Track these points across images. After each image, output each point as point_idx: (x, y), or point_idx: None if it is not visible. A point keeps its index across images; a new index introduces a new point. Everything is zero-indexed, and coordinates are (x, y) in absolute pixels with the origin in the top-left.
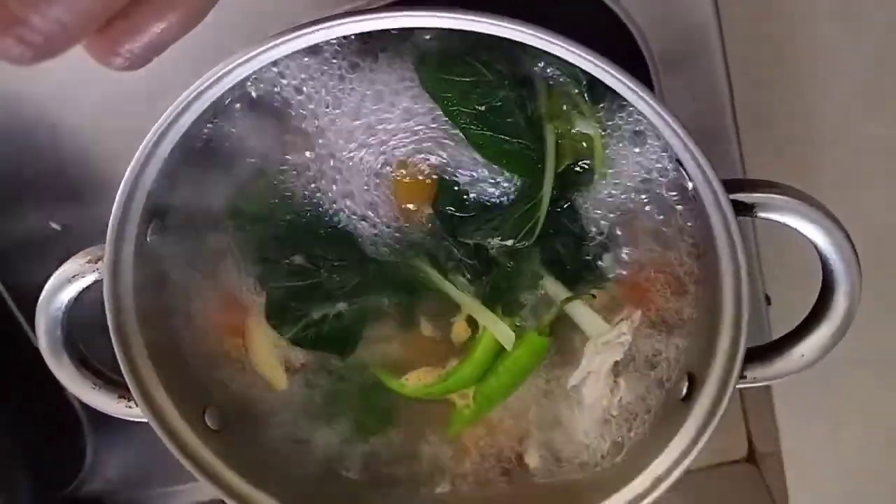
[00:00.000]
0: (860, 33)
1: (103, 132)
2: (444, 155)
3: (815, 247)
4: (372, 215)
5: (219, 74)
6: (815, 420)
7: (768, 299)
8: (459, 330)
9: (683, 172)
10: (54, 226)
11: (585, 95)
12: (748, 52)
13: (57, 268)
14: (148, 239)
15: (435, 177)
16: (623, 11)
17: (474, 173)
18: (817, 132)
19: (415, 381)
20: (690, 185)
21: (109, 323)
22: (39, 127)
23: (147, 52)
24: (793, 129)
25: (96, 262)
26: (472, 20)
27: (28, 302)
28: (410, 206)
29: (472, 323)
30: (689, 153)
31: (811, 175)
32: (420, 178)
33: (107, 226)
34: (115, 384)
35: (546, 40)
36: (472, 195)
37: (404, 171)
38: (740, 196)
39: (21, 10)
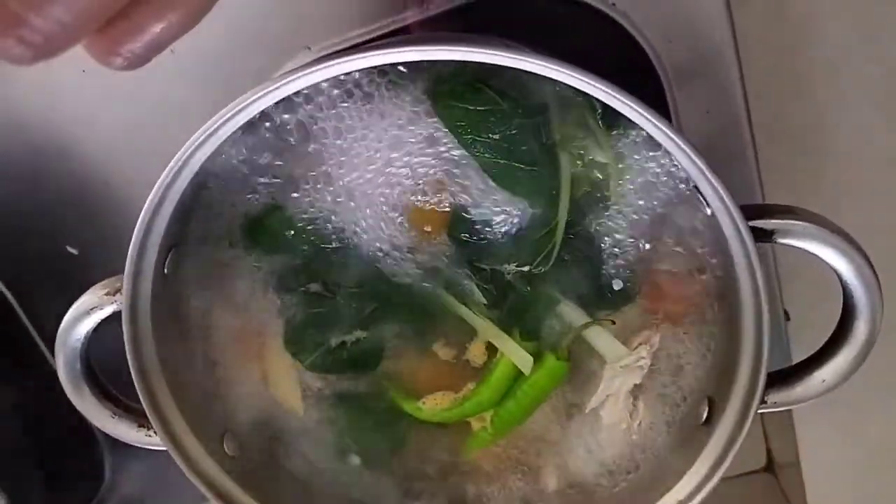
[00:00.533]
0: (880, 45)
1: (120, 156)
2: (459, 182)
3: (836, 272)
4: (388, 243)
5: (232, 112)
6: (833, 431)
7: (787, 315)
8: (476, 353)
9: (701, 198)
10: (71, 250)
11: (599, 122)
12: (764, 66)
13: (73, 291)
14: (165, 270)
15: (449, 205)
16: (636, 29)
17: (489, 200)
18: (836, 146)
19: (431, 405)
20: (709, 210)
21: (128, 354)
22: (55, 150)
23: (147, 51)
24: (811, 143)
25: (114, 294)
26: (485, 53)
27: (43, 322)
28: (426, 231)
29: (489, 346)
30: (706, 180)
31: (830, 189)
32: (435, 206)
33: (123, 249)
34: (134, 413)
35: (560, 71)
36: (487, 221)
37: (420, 199)
38: (759, 223)
39: (21, 9)
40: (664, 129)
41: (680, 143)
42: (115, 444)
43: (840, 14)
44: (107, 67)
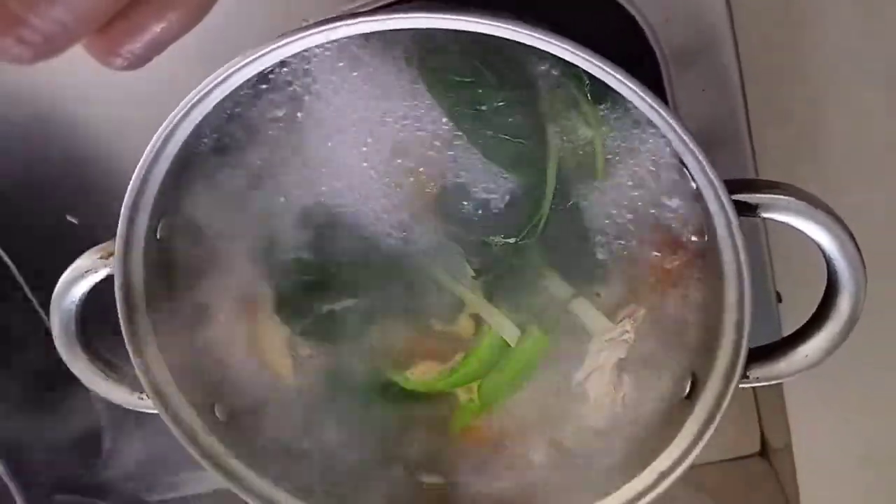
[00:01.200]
0: (880, 24)
1: (120, 127)
2: (448, 153)
3: (820, 247)
4: (376, 212)
5: (226, 74)
6: (825, 414)
7: (779, 296)
8: (464, 325)
9: (687, 172)
10: (71, 219)
11: (588, 95)
12: (761, 47)
13: (72, 260)
14: (158, 235)
15: (437, 175)
16: (634, 8)
17: (477, 171)
18: (834, 128)
19: (419, 375)
20: (694, 184)
21: (120, 317)
22: (57, 121)
23: (147, 51)
24: (808, 125)
25: (108, 258)
26: (473, 21)
27: (45, 292)
28: (415, 202)
29: (476, 318)
30: (690, 153)
31: (827, 172)
32: (424, 178)
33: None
34: (127, 376)
35: (546, 41)
36: (475, 193)
37: (408, 169)
38: (743, 196)
39: (21, 9)
40: (650, 101)
41: (665, 115)
42: (114, 412)
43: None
44: (107, 68)
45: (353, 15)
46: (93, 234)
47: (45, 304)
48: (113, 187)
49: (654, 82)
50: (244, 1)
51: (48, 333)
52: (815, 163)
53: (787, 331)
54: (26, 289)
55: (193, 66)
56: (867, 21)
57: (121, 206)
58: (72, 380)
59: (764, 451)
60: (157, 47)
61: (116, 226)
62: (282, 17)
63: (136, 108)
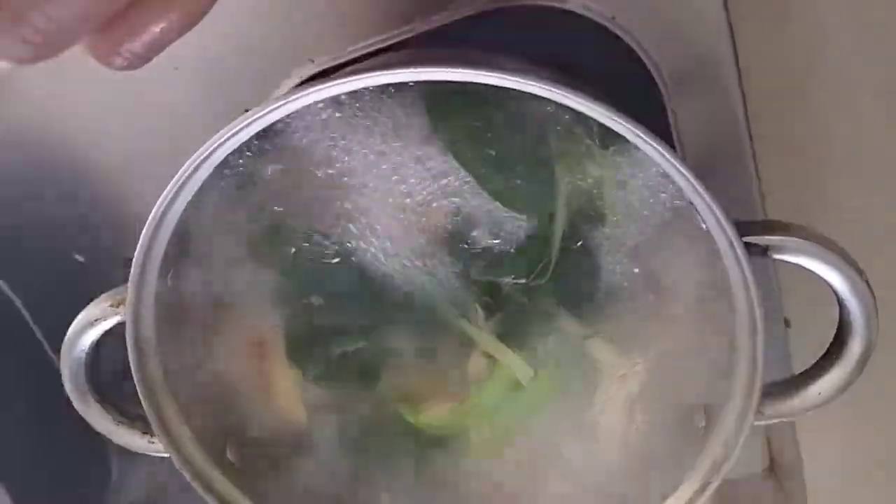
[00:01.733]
0: (885, 55)
1: (128, 165)
2: (459, 195)
3: (832, 288)
4: (387, 255)
5: (234, 130)
6: (835, 434)
7: (788, 322)
8: (475, 363)
9: (697, 213)
10: (78, 258)
11: (595, 139)
12: (765, 79)
13: (79, 298)
14: (169, 282)
15: (448, 216)
16: (636, 43)
17: (487, 213)
18: (838, 158)
19: (431, 413)
20: (704, 225)
21: (132, 365)
22: (66, 158)
23: (147, 51)
24: (812, 155)
25: (118, 306)
26: (480, 74)
27: (49, 327)
28: (426, 242)
29: (488, 356)
30: (699, 197)
31: (832, 202)
32: (435, 219)
33: (130, 258)
34: (138, 420)
35: (555, 92)
36: (486, 235)
37: (419, 211)
38: (754, 239)
39: (21, 9)
40: (657, 146)
41: (673, 161)
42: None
43: (844, 25)
44: (107, 67)
45: (356, 71)
46: (99, 271)
47: (50, 337)
48: (119, 225)
49: (657, 116)
50: (249, 37)
51: (54, 366)
52: (818, 188)
53: (797, 354)
54: (31, 323)
55: (197, 102)
56: (870, 48)
57: (127, 244)
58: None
59: (772, 469)
60: (158, 47)
61: (123, 263)
62: (288, 52)
63: (145, 146)
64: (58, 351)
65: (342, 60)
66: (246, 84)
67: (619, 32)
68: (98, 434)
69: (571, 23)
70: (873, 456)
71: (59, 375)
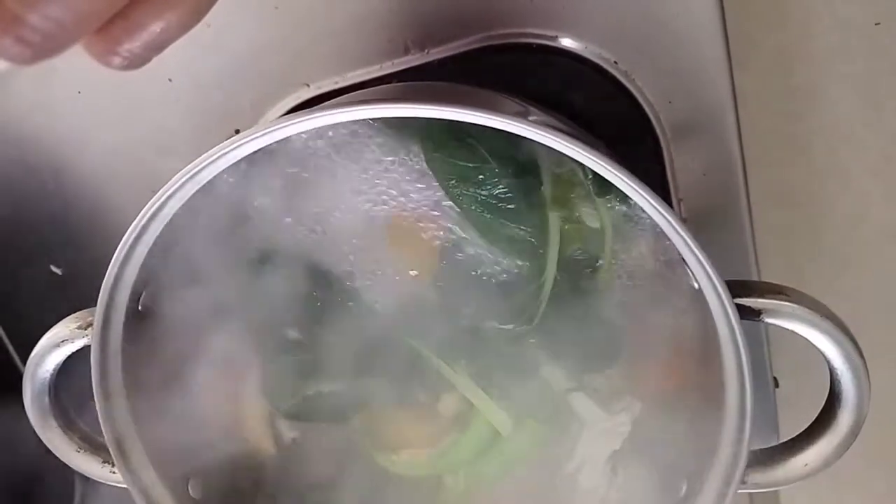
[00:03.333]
0: (881, 114)
1: (110, 179)
2: (449, 227)
3: (824, 357)
4: (368, 291)
5: (221, 153)
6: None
7: (776, 382)
8: (447, 405)
9: (689, 271)
10: (55, 269)
11: (591, 188)
12: (764, 132)
13: (54, 311)
14: (140, 307)
15: (437, 242)
16: (636, 89)
17: (477, 255)
18: (833, 214)
19: (406, 459)
20: (696, 284)
21: (95, 390)
22: (47, 169)
23: (146, 51)
24: (808, 211)
25: (86, 328)
26: (473, 114)
27: (23, 342)
28: (412, 273)
29: (462, 398)
30: (692, 254)
31: (826, 258)
32: (423, 238)
33: (105, 273)
34: (100, 448)
35: (547, 137)
36: (473, 277)
37: (405, 230)
38: (746, 301)
39: (20, 8)
40: (650, 200)
41: (667, 216)
42: None
43: (842, 82)
44: (106, 67)
45: (352, 102)
46: (76, 284)
47: (19, 349)
48: (97, 239)
49: (654, 162)
50: (246, 58)
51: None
52: (814, 244)
53: (784, 415)
54: (3, 336)
55: (187, 120)
56: (868, 111)
57: (105, 258)
58: None
59: None
60: (157, 47)
61: (99, 278)
62: (282, 75)
63: (126, 160)
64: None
65: (339, 86)
66: (239, 102)
67: (620, 77)
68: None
69: (572, 65)
70: None
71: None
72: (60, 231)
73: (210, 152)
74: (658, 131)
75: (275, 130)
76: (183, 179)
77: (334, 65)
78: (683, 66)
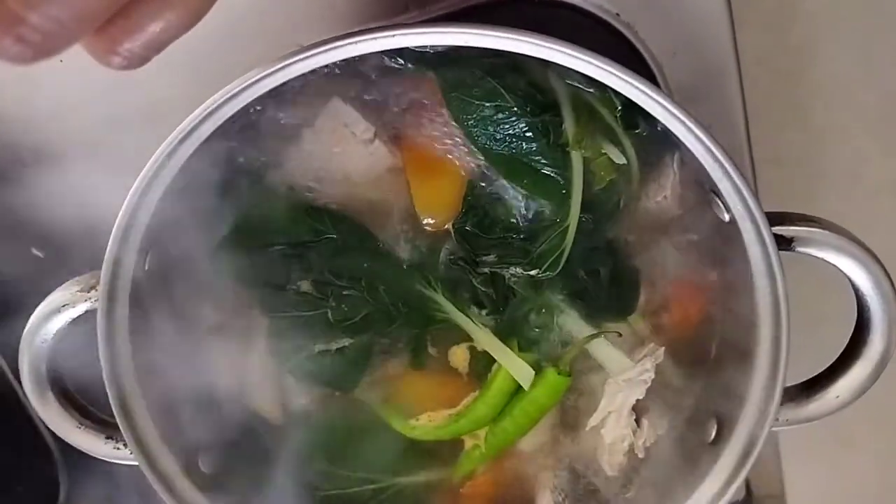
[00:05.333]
0: (876, 72)
1: (93, 154)
2: (471, 168)
3: (853, 284)
4: (387, 233)
5: (227, 96)
6: (818, 464)
7: None
8: (458, 358)
9: (720, 203)
10: (37, 252)
11: (619, 121)
12: (765, 89)
13: (38, 296)
14: (146, 267)
15: (458, 184)
16: (639, 41)
17: (500, 198)
18: (833, 171)
19: (424, 423)
20: (727, 216)
21: (101, 355)
22: (24, 148)
23: (146, 51)
24: (807, 167)
25: (88, 291)
26: (494, 36)
27: (2, 330)
28: (431, 220)
29: (476, 354)
30: (731, 182)
31: (825, 215)
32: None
33: (90, 254)
34: (102, 424)
35: (580, 59)
36: (497, 216)
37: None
38: (780, 229)
39: (20, 8)
40: (692, 126)
41: (707, 142)
42: (72, 462)
43: (838, 40)
44: (106, 67)
45: (370, 30)
46: (60, 268)
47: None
48: (81, 220)
49: None
50: (239, 21)
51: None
52: (813, 201)
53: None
54: None
55: (177, 88)
56: (865, 69)
57: (90, 239)
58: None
59: (748, 500)
60: (157, 47)
61: (83, 260)
62: (278, 38)
63: (113, 133)
64: (6, 355)
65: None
66: (231, 71)
67: (623, 30)
68: (47, 448)
69: (574, 17)
70: (857, 487)
71: (8, 383)
72: (43, 213)
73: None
74: (662, 86)
75: (286, 66)
76: (194, 122)
77: (331, 26)
78: (685, 20)
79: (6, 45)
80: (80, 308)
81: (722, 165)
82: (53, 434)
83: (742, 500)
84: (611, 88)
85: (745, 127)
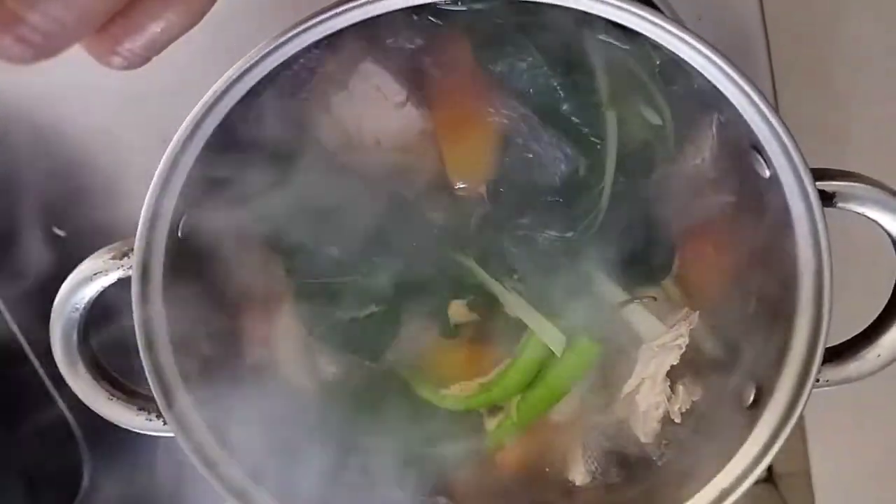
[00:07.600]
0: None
1: (112, 135)
2: (507, 122)
3: (893, 240)
4: (419, 197)
5: (258, 57)
6: (844, 439)
7: None
8: (456, 312)
9: (760, 159)
10: (58, 231)
11: (657, 75)
12: (791, 54)
13: (58, 275)
14: (180, 234)
15: (492, 142)
16: (668, 9)
17: (534, 151)
18: (859, 140)
19: (455, 393)
20: (767, 172)
21: (136, 324)
22: (46, 128)
23: (146, 51)
24: (833, 134)
25: (121, 258)
26: None
27: (25, 312)
28: (463, 183)
29: (473, 307)
30: (774, 135)
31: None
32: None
33: (112, 232)
34: (134, 395)
35: (628, 10)
36: (531, 177)
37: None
38: (822, 184)
39: (20, 8)
40: (736, 76)
41: (751, 92)
42: (95, 446)
43: (865, 5)
44: (107, 67)
45: None
46: (82, 247)
47: (20, 321)
48: (103, 198)
49: None
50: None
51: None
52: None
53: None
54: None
55: (190, 72)
56: (890, 33)
57: (111, 217)
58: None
59: (769, 477)
60: (157, 47)
61: (104, 238)
62: (292, 12)
63: (130, 115)
64: (28, 337)
65: None
66: (246, 46)
67: None
68: (70, 432)
69: None
70: (882, 462)
71: (33, 369)
72: (63, 191)
73: (266, 42)
74: None
75: (320, 23)
76: (223, 87)
77: None
78: None
79: (6, 45)
80: (113, 276)
81: (765, 117)
82: (78, 420)
83: (764, 479)
84: (650, 42)
85: (773, 92)
